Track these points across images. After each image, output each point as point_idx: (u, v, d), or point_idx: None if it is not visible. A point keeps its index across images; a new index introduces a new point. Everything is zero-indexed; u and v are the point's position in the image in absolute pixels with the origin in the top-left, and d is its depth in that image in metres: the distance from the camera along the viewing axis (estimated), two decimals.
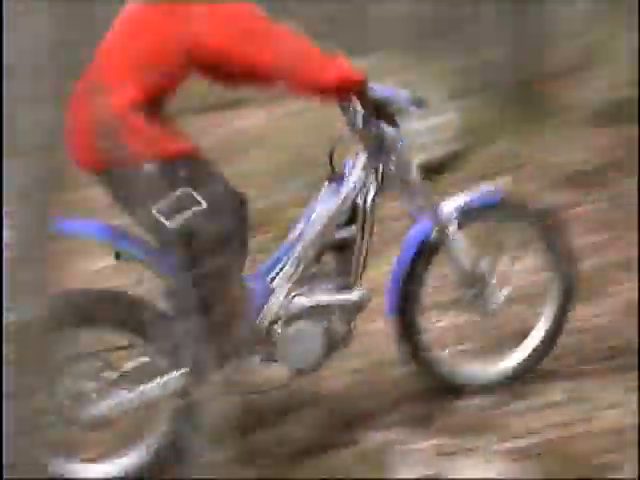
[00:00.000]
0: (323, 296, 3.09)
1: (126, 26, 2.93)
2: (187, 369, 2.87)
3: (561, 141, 6.32)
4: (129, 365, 2.90)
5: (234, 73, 3.00)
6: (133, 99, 2.73)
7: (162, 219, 2.79)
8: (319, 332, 3.05)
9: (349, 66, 2.91)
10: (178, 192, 2.78)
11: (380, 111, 2.99)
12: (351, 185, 3.03)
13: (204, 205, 2.79)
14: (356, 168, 3.05)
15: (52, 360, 2.42)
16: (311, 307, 3.07)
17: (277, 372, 3.12)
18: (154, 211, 2.78)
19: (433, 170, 6.15)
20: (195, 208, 2.79)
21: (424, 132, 6.22)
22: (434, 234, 3.15)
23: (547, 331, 3.39)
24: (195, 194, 2.80)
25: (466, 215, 3.20)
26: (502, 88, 7.26)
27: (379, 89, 2.98)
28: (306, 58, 2.84)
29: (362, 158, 3.06)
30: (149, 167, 2.70)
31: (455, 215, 3.18)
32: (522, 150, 6.34)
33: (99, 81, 2.72)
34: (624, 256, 4.45)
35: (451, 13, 8.86)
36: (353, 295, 3.09)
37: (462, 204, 3.22)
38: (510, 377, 3.38)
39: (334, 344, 3.10)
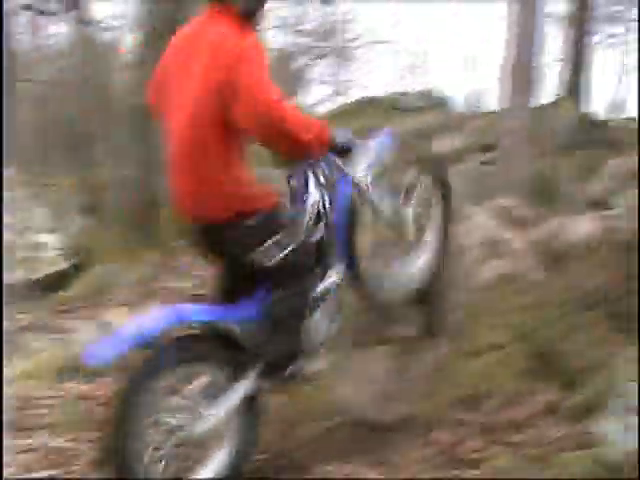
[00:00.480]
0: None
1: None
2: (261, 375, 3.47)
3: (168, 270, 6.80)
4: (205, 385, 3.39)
5: None
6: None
7: (264, 260, 3.40)
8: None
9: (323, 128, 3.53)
10: (274, 238, 3.40)
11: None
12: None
13: (293, 246, 3.45)
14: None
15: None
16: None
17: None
18: (257, 254, 3.40)
19: (46, 287, 6.61)
20: (287, 249, 3.42)
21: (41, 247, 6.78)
22: (355, 194, 3.89)
23: (437, 241, 4.37)
24: (286, 238, 3.44)
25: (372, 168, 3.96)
26: (126, 209, 7.40)
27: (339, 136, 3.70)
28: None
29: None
30: (258, 217, 3.34)
31: (366, 173, 3.91)
32: (132, 274, 6.79)
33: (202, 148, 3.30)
34: None
35: (84, 129, 9.30)
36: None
37: (370, 162, 3.94)
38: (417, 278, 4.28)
39: None
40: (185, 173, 3.31)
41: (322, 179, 3.77)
